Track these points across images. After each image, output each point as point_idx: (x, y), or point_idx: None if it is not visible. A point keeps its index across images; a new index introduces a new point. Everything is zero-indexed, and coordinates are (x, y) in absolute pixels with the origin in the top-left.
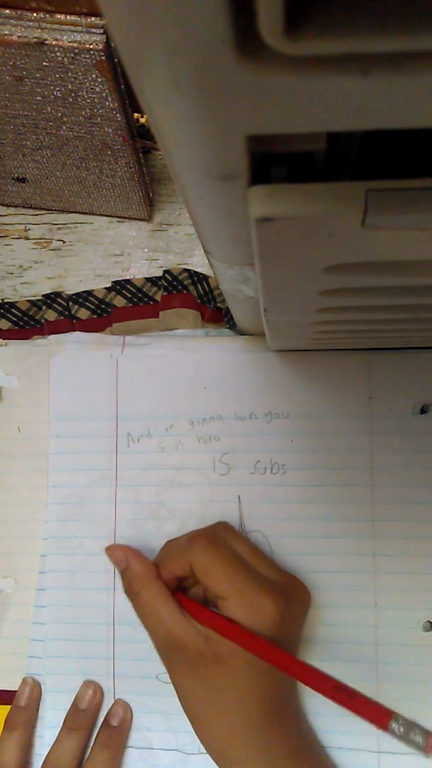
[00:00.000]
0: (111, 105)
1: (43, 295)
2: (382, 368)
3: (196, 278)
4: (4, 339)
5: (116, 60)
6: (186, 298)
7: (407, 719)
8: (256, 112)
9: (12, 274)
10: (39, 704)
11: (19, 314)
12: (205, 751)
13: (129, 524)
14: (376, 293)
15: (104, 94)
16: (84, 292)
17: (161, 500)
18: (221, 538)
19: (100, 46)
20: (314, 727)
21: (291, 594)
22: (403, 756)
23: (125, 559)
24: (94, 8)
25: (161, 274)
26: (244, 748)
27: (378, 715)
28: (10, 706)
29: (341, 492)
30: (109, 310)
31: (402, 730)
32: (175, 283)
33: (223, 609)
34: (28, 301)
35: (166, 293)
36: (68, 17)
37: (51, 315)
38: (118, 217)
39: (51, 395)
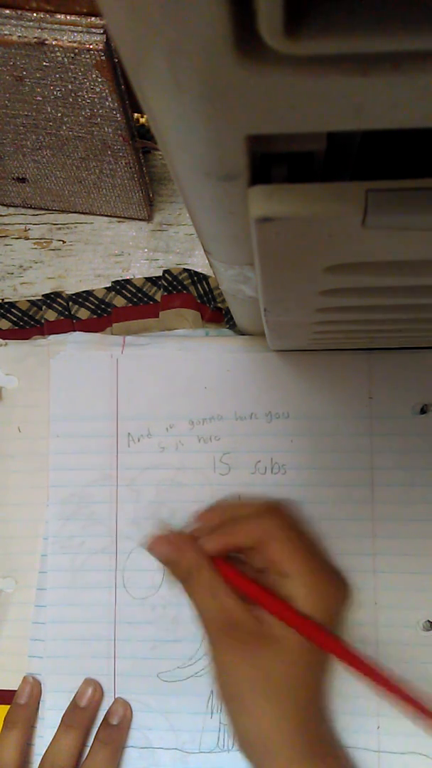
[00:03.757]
0: (111, 105)
1: (43, 295)
2: (382, 368)
3: (196, 278)
4: (4, 339)
5: (116, 60)
6: (186, 298)
7: None
8: (256, 112)
9: (12, 274)
10: (39, 702)
11: (19, 314)
12: (205, 750)
13: (130, 523)
14: (376, 293)
15: (104, 94)
16: (84, 292)
17: (162, 500)
18: (294, 515)
19: (100, 46)
20: None
21: (341, 585)
22: (402, 756)
23: (177, 549)
24: (94, 8)
25: (161, 274)
26: (288, 738)
27: None
28: (9, 706)
29: (341, 492)
30: (109, 310)
31: None
32: (175, 283)
33: (282, 586)
34: (28, 301)
35: (166, 293)
36: (68, 17)
37: (51, 315)
38: (118, 217)
39: (51, 395)
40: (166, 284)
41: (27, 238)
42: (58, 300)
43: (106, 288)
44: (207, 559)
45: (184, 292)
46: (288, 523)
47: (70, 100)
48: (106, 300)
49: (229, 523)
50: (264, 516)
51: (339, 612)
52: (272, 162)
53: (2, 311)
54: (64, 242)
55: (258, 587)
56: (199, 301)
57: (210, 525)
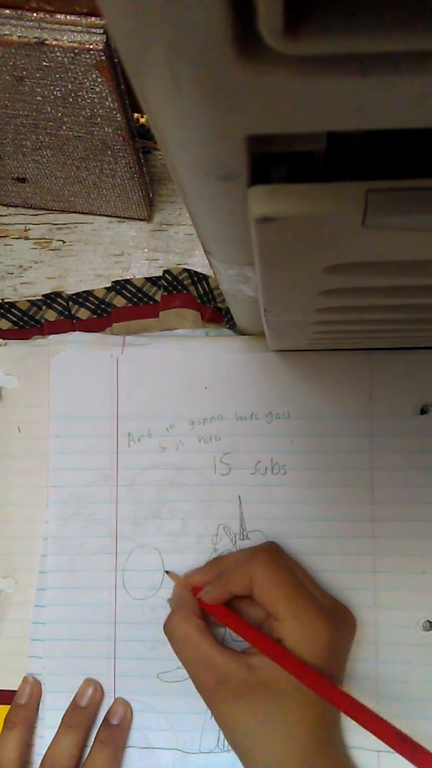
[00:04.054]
0: (111, 105)
1: (43, 295)
2: (382, 368)
3: (196, 278)
4: (4, 339)
5: (116, 60)
6: (186, 298)
7: None
8: (256, 112)
9: (12, 274)
10: (39, 702)
11: (19, 314)
12: (205, 751)
13: (130, 524)
14: (376, 293)
15: (104, 94)
16: (84, 292)
17: (162, 500)
18: (281, 556)
19: (100, 46)
20: None
21: (340, 620)
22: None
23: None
24: (94, 8)
25: (161, 274)
26: None
27: None
28: (9, 706)
29: (342, 492)
30: (109, 310)
31: None
32: (175, 283)
33: (276, 629)
34: (28, 301)
35: (166, 293)
36: (68, 17)
37: (51, 315)
38: (118, 217)
39: (51, 395)
40: (166, 284)
41: (27, 238)
42: (58, 300)
43: (106, 288)
44: (192, 615)
45: (184, 292)
46: (274, 562)
47: (70, 100)
48: (106, 300)
49: (222, 573)
50: (251, 559)
51: (337, 649)
52: (272, 162)
53: (2, 311)
54: (64, 242)
55: (249, 627)
56: (199, 301)
57: (206, 580)
